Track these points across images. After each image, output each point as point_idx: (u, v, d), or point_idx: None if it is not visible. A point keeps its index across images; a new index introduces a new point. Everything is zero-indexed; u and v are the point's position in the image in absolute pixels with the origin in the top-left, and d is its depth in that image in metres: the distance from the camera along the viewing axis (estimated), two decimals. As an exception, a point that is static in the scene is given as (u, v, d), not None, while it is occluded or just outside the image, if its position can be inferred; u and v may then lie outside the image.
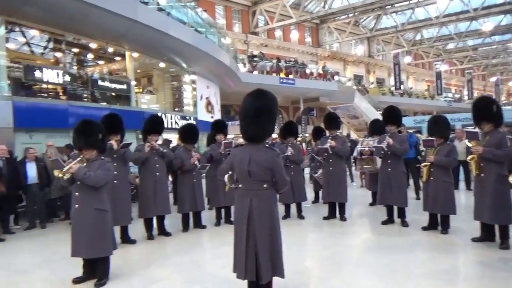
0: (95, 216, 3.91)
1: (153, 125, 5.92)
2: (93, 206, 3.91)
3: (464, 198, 8.27)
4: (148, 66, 13.22)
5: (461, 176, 9.54)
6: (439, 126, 5.55)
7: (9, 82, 8.45)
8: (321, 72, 22.92)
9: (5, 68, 8.31)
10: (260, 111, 3.08)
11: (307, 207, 7.65)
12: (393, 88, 28.78)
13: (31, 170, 6.98)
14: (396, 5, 25.25)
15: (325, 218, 6.72)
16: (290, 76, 20.44)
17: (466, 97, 36.80)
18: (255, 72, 19.31)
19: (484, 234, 5.07)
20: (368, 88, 28.89)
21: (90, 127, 4.01)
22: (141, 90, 13.48)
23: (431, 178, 5.46)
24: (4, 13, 8.04)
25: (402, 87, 29.06)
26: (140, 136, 6.09)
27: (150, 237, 5.80)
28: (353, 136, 17.72)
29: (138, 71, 12.84)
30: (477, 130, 4.93)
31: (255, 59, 20.40)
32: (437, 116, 5.89)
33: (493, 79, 42.07)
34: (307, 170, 9.83)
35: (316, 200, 8.47)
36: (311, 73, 22.09)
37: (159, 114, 10.56)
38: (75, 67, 10.79)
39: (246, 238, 3.09)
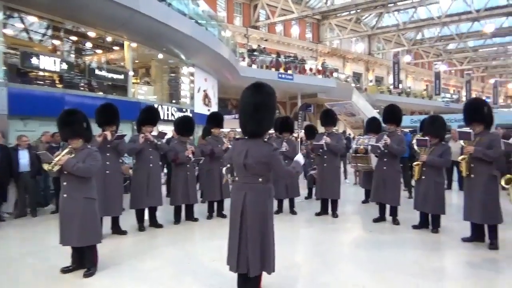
0: (84, 204, 3.92)
1: (148, 116, 5.90)
2: (82, 195, 3.92)
3: (456, 199, 8.31)
4: (147, 56, 13.16)
5: (455, 176, 9.57)
6: (435, 126, 5.58)
7: (5, 68, 8.39)
8: (320, 68, 22.88)
9: (2, 54, 8.25)
10: (258, 106, 3.08)
11: (300, 203, 7.67)
12: (391, 87, 28.75)
13: (24, 158, 6.96)
14: (398, 3, 25.18)
15: (317, 214, 6.74)
16: (289, 72, 20.39)
17: (464, 98, 36.84)
18: (254, 66, 19.25)
19: (474, 234, 5.11)
20: (366, 86, 28.87)
21: (74, 116, 3.99)
22: (138, 80, 13.42)
23: (423, 177, 5.50)
24: (3, -2, 7.96)
25: (400, 86, 29.03)
26: (136, 127, 6.07)
27: (141, 228, 5.81)
28: (350, 133, 17.75)
29: (136, 61, 12.77)
30: (469, 130, 4.96)
31: (255, 53, 20.33)
32: (434, 116, 5.91)
33: (492, 81, 42.09)
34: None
35: (309, 196, 8.49)
36: (310, 69, 22.05)
37: (156, 105, 10.55)
38: (72, 56, 10.72)
39: (240, 231, 3.11)
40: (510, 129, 10.23)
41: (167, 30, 10.32)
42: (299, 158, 3.34)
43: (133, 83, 12.32)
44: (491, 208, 4.78)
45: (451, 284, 3.86)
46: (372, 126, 7.46)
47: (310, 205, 7.67)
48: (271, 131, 11.84)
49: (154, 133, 6.05)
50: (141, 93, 12.95)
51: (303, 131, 10.18)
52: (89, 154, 3.99)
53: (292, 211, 6.93)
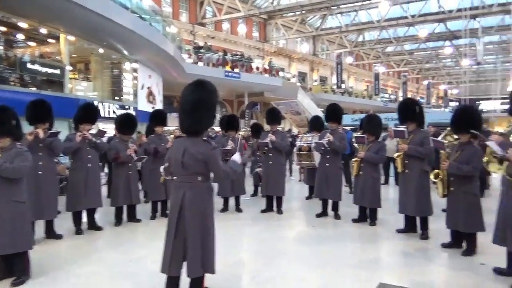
0: (13, 208, 3.64)
1: (85, 113, 5.61)
2: (10, 198, 3.63)
3: (392, 193, 8.80)
4: (86, 51, 12.50)
5: (392, 171, 10.13)
6: (372, 124, 5.90)
7: None
8: (266, 67, 23.15)
9: None
10: (197, 104, 3.02)
11: (246, 201, 7.71)
12: (334, 87, 29.83)
13: None
14: (341, 6, 26.12)
15: (263, 211, 6.82)
16: (236, 70, 20.41)
17: (401, 98, 39.08)
18: (201, 64, 19.04)
19: (407, 225, 5.45)
20: (311, 86, 29.69)
21: (2, 114, 3.72)
22: (76, 76, 12.73)
23: (361, 173, 5.78)
24: None
25: (343, 86, 30.20)
26: (73, 125, 5.74)
27: (78, 231, 5.52)
28: (296, 131, 18.14)
29: (74, 55, 12.11)
30: (403, 129, 5.28)
31: (201, 50, 20.11)
32: (371, 115, 6.22)
33: (425, 82, 45.12)
34: (248, 165, 9.91)
35: (255, 194, 8.57)
36: (257, 68, 22.24)
37: (96, 102, 10.06)
38: (1, 47, 9.92)
39: (175, 231, 3.04)
40: (442, 127, 10.96)
41: (107, 23, 9.87)
42: (236, 157, 3.33)
43: (71, 78, 11.66)
44: (423, 201, 5.13)
45: (387, 273, 4.08)
46: (315, 125, 7.67)
47: (256, 203, 7.73)
48: (217, 129, 11.84)
49: (94, 131, 5.77)
50: (80, 89, 12.29)
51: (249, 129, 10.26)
52: (18, 154, 3.71)
53: (238, 209, 6.95)
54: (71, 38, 10.89)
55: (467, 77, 33.94)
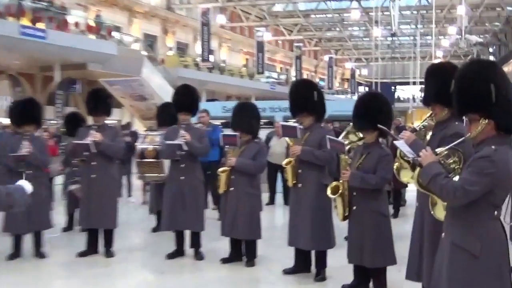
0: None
1: None
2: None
3: (281, 217, 9.35)
4: None
5: (280, 186, 10.70)
6: (244, 116, 6.10)
7: None
8: (92, 24, 22.45)
9: None
10: None
11: (54, 239, 7.38)
12: (199, 59, 30.28)
13: None
14: None
15: (81, 255, 6.59)
16: (40, 25, 19.31)
17: (294, 79, 41.66)
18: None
19: (298, 264, 5.81)
20: (164, 56, 29.66)
21: None
22: None
23: (231, 188, 5.96)
24: None
25: (211, 58, 30.81)
26: None
27: None
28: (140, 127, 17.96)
29: None
30: (295, 124, 5.60)
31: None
32: (244, 104, 6.49)
33: (326, 57, 48.87)
34: (59, 180, 9.52)
35: (68, 227, 8.24)
36: (76, 24, 21.43)
37: None
38: None
39: None
40: (346, 122, 11.84)
41: None
42: (24, 183, 3.28)
43: None
44: (321, 228, 5.47)
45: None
46: (165, 117, 7.71)
47: (71, 240, 7.45)
48: (5, 121, 11.06)
49: None
50: None
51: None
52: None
53: (39, 254, 6.61)
54: None
55: (380, 53, 37.88)
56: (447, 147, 3.17)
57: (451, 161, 3.16)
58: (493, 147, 2.83)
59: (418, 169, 3.23)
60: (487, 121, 2.88)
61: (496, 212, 2.91)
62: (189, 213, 6.32)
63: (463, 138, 3.13)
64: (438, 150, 3.18)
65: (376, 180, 4.83)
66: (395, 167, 4.30)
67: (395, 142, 3.95)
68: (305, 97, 5.58)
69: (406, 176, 4.06)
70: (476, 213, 2.89)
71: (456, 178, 2.96)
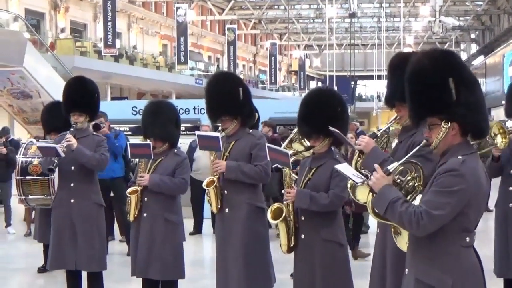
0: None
1: None
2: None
3: (210, 249, 9.40)
4: None
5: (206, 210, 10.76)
6: (158, 120, 6.09)
7: None
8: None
9: None
10: None
11: None
12: (101, 44, 29.96)
13: None
14: None
15: None
16: None
17: (226, 69, 41.73)
18: None
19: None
20: (54, 39, 29.23)
21: None
22: None
23: (144, 214, 5.95)
24: None
25: (118, 43, 30.51)
26: None
27: None
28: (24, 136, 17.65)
29: None
30: (217, 134, 5.62)
31: None
32: (157, 103, 6.46)
33: (268, 44, 49.33)
34: None
35: None
36: None
37: None
38: None
39: None
40: (289, 126, 11.98)
41: None
42: None
43: None
44: (257, 265, 5.52)
45: None
46: (54, 121, 7.68)
47: None
48: None
49: None
50: None
51: None
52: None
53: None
54: None
55: (336, 39, 38.47)
56: (401, 161, 3.21)
57: (409, 177, 3.19)
58: (459, 157, 2.88)
59: (370, 196, 3.22)
60: (449, 124, 2.91)
61: (468, 239, 2.94)
62: (81, 247, 6.24)
63: (418, 147, 3.22)
64: (391, 166, 3.20)
65: (330, 200, 4.76)
66: (349, 184, 4.33)
67: (336, 166, 3.99)
68: (227, 96, 5.56)
69: (362, 195, 3.98)
70: (444, 241, 2.91)
71: (418, 199, 3.00)
